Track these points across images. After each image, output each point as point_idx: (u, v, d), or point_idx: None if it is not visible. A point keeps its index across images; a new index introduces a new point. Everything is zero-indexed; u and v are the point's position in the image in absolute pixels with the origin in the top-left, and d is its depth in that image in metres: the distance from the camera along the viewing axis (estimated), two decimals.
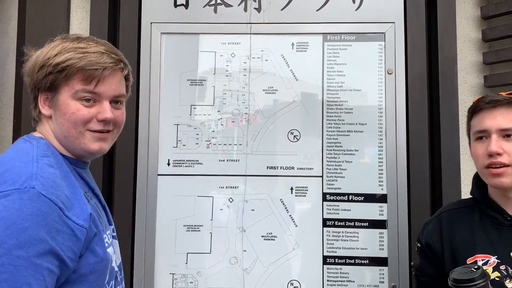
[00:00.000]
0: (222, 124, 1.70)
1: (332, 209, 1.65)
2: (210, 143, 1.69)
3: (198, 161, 1.67)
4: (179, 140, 1.68)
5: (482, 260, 1.08)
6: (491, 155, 1.07)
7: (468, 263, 1.09)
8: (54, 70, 0.90)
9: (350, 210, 1.64)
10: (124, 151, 1.67)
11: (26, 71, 0.96)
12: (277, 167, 1.67)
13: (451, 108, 1.66)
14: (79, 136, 0.93)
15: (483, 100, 1.11)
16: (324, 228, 1.64)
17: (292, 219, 1.65)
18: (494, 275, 1.06)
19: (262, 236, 1.64)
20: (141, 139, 1.68)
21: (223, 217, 1.65)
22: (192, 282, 1.63)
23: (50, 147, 0.93)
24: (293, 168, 1.67)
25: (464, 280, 0.88)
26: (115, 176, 1.68)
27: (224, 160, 1.68)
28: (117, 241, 1.05)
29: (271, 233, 1.64)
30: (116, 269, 1.00)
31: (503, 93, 1.12)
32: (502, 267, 1.06)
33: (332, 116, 1.68)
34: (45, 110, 0.94)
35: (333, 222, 1.64)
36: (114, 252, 0.98)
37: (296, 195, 1.66)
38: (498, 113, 1.08)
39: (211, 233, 1.65)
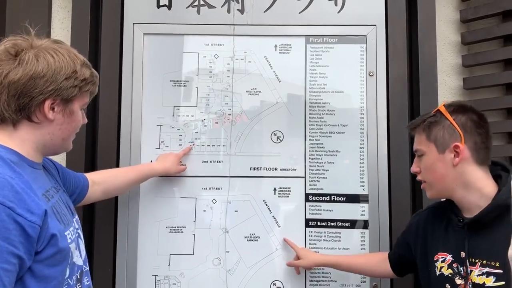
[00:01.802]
0: (205, 125, 1.70)
1: (315, 209, 1.66)
2: (193, 144, 1.68)
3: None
4: (162, 141, 1.68)
5: (442, 257, 1.17)
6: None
7: (434, 259, 1.19)
8: (80, 83, 0.99)
9: (332, 210, 1.65)
10: (106, 152, 1.66)
11: (32, 75, 0.93)
12: (261, 168, 1.68)
13: (431, 110, 1.66)
14: (67, 142, 1.02)
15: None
16: (306, 229, 1.66)
17: (275, 220, 1.66)
18: (448, 272, 1.15)
19: (245, 237, 1.65)
20: (123, 140, 1.67)
21: (206, 218, 1.65)
22: (175, 284, 1.63)
23: (7, 150, 0.93)
24: (276, 169, 1.68)
25: None
26: None
27: (207, 161, 1.68)
28: (82, 240, 1.06)
29: (254, 234, 1.65)
30: (81, 263, 1.01)
31: (432, 112, 1.23)
32: (455, 265, 1.14)
33: (315, 118, 1.70)
34: (51, 115, 0.96)
35: (315, 222, 1.65)
36: (76, 248, 0.98)
37: (279, 196, 1.67)
38: (415, 136, 1.24)
39: (194, 234, 1.64)
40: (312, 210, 1.66)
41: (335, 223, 1.65)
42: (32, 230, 0.83)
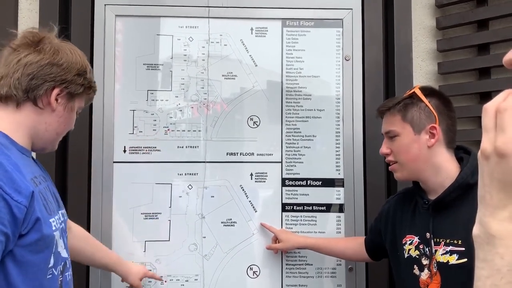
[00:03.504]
0: (180, 110, 1.67)
1: (291, 194, 1.67)
2: (168, 130, 1.66)
3: (155, 147, 1.64)
4: (135, 127, 1.64)
5: (409, 240, 1.21)
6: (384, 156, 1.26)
7: (402, 242, 1.22)
8: (87, 84, 1.07)
9: (308, 194, 1.66)
10: (78, 137, 1.61)
11: (50, 61, 0.99)
12: (237, 153, 1.67)
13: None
14: (57, 138, 1.06)
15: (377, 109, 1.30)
16: (283, 213, 1.66)
17: (252, 205, 1.66)
18: (415, 253, 1.18)
19: (222, 222, 1.64)
20: (95, 125, 1.62)
21: (182, 204, 1.64)
22: (151, 270, 1.61)
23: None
24: (253, 154, 1.67)
25: None
26: (68, 164, 1.63)
27: (182, 147, 1.66)
28: (65, 230, 1.05)
29: (231, 219, 1.65)
30: (66, 255, 1.00)
31: (407, 93, 1.25)
32: (421, 246, 1.17)
33: (291, 102, 1.69)
34: (54, 104, 1.00)
35: (292, 206, 1.66)
36: (60, 237, 0.97)
37: (256, 181, 1.66)
38: (384, 119, 1.26)
39: (169, 220, 1.63)
40: (289, 194, 1.67)
41: (311, 207, 1.66)
42: (18, 210, 0.82)
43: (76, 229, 1.34)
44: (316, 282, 1.64)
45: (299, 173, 1.67)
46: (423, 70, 1.77)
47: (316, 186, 1.66)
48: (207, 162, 1.66)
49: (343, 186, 1.66)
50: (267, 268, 1.64)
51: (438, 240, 1.13)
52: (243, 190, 1.66)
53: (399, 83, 1.69)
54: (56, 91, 0.99)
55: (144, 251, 1.61)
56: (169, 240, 1.62)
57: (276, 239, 1.59)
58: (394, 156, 1.23)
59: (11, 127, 0.96)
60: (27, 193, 0.85)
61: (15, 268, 0.85)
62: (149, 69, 1.66)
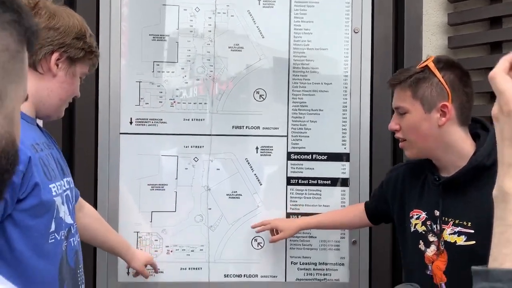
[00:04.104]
0: (186, 82, 1.66)
1: (296, 167, 1.67)
2: (174, 102, 1.65)
3: (161, 119, 1.64)
4: (141, 98, 1.64)
5: (416, 214, 1.19)
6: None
7: (410, 215, 1.20)
8: (88, 48, 1.04)
9: (313, 168, 1.67)
10: (84, 109, 1.62)
11: (46, 25, 0.98)
12: (243, 126, 1.66)
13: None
14: (62, 105, 1.05)
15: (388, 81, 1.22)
16: (288, 186, 1.67)
17: (257, 178, 1.67)
18: (422, 229, 1.17)
19: (227, 195, 1.66)
20: (101, 97, 1.62)
21: (188, 176, 1.65)
22: (157, 240, 1.64)
23: None
24: (258, 127, 1.67)
25: None
26: (75, 135, 1.64)
27: (188, 119, 1.65)
28: (72, 198, 1.05)
29: (236, 192, 1.66)
30: (71, 221, 1.01)
31: (420, 64, 1.16)
32: (428, 223, 1.16)
33: (298, 76, 1.67)
34: (55, 69, 0.99)
35: (296, 180, 1.67)
36: (63, 203, 0.97)
37: (261, 155, 1.67)
38: (395, 92, 1.18)
39: (176, 192, 1.64)
40: (294, 168, 1.67)
41: (316, 181, 1.66)
42: (15, 175, 0.82)
43: (89, 209, 1.36)
44: (319, 254, 1.66)
45: (304, 147, 1.67)
46: (433, 44, 1.74)
47: (321, 160, 1.67)
48: (213, 135, 1.66)
49: (348, 160, 1.66)
50: None
51: (446, 219, 1.11)
52: (248, 163, 1.67)
53: (408, 57, 1.66)
54: (55, 55, 0.98)
55: (151, 222, 1.64)
56: (175, 211, 1.64)
57: (273, 230, 1.54)
58: (403, 134, 1.16)
59: None
60: (23, 158, 0.85)
61: (16, 232, 0.86)
62: (155, 40, 1.64)
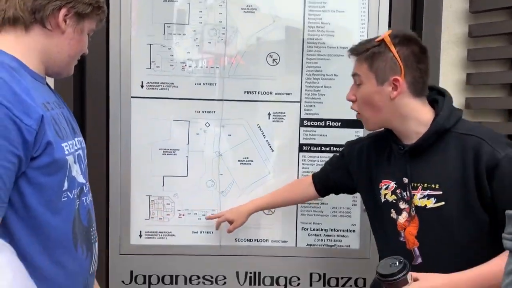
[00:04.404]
0: (198, 45, 1.62)
1: (309, 134, 1.65)
2: (185, 66, 1.62)
3: (173, 83, 1.61)
4: (152, 61, 1.60)
5: (385, 185, 1.21)
6: None
7: (379, 187, 1.22)
8: (95, 3, 1.02)
9: (326, 135, 1.65)
10: (95, 72, 1.59)
11: None
12: (255, 92, 1.64)
13: (433, 34, 1.62)
14: (71, 62, 1.04)
15: None
16: (300, 153, 1.66)
17: (269, 144, 1.65)
18: (392, 198, 1.19)
19: (238, 161, 1.65)
20: (112, 60, 1.59)
21: (199, 142, 1.64)
22: (169, 204, 1.65)
23: (8, 56, 0.93)
24: (271, 93, 1.64)
25: (385, 275, 0.97)
26: (86, 99, 1.62)
27: (200, 84, 1.63)
28: (83, 158, 1.06)
29: (247, 158, 1.65)
30: (83, 180, 1.01)
31: (377, 38, 1.16)
32: (398, 191, 1.18)
33: (313, 39, 1.62)
34: (63, 26, 0.98)
35: (309, 147, 1.65)
36: (75, 162, 0.98)
37: (273, 121, 1.65)
38: (355, 61, 1.20)
39: (187, 157, 1.64)
40: (306, 135, 1.65)
41: (329, 148, 1.65)
42: (28, 134, 0.83)
43: None
44: (330, 221, 1.67)
45: (318, 114, 1.64)
46: (453, 8, 1.67)
47: (335, 127, 1.64)
48: (225, 100, 1.63)
49: (362, 127, 1.63)
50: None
51: (415, 185, 1.14)
52: (260, 129, 1.65)
53: (427, 23, 1.61)
54: (63, 11, 0.97)
55: (163, 186, 1.64)
56: (187, 176, 1.64)
57: (224, 221, 1.57)
58: (358, 106, 1.20)
59: (22, 51, 0.95)
60: (36, 117, 0.85)
61: (29, 189, 0.87)
62: (166, 0, 1.59)
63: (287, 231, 1.68)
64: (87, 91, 1.62)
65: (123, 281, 1.66)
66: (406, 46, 1.13)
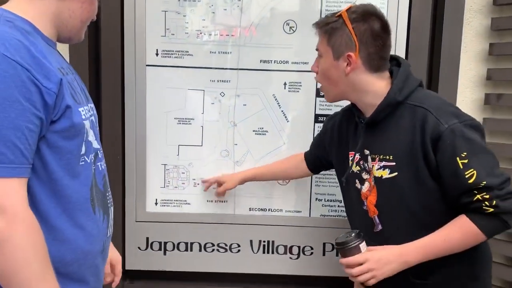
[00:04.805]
0: (213, 12, 1.58)
1: (325, 104, 1.63)
2: (200, 33, 1.59)
3: (188, 52, 1.59)
4: (167, 29, 1.58)
5: (351, 156, 1.26)
6: None
7: (348, 158, 1.27)
8: None
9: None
10: (110, 40, 1.57)
11: None
12: (271, 61, 1.61)
13: (455, 14, 1.58)
14: (83, 27, 1.02)
15: None
16: (315, 124, 1.65)
17: (284, 115, 1.64)
18: (356, 169, 1.24)
19: (253, 131, 1.65)
20: (127, 27, 1.57)
21: (214, 111, 1.63)
22: (184, 173, 1.67)
23: (21, 19, 0.91)
24: (287, 62, 1.61)
25: (339, 243, 1.11)
26: (101, 67, 1.61)
27: (215, 52, 1.60)
28: (96, 124, 1.06)
29: (262, 128, 1.65)
30: (97, 146, 1.03)
31: (337, 13, 1.17)
32: (361, 162, 1.22)
33: (332, 6, 1.58)
34: None
35: (325, 118, 1.64)
36: (91, 128, 0.99)
37: (289, 91, 1.63)
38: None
39: (202, 126, 1.64)
40: (323, 105, 1.63)
41: None
42: (49, 97, 0.84)
43: None
44: None
45: None
46: None
47: None
48: (240, 69, 1.61)
49: None
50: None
51: (374, 156, 1.18)
52: (275, 99, 1.63)
53: (449, 2, 1.55)
54: None
55: (178, 155, 1.65)
56: (201, 145, 1.65)
57: (215, 183, 1.62)
58: (319, 77, 1.23)
59: (34, 15, 0.93)
60: (56, 80, 0.85)
61: (49, 153, 0.88)
62: None
63: (301, 201, 1.69)
64: (102, 59, 1.61)
65: (139, 247, 1.70)
66: (363, 22, 1.13)
